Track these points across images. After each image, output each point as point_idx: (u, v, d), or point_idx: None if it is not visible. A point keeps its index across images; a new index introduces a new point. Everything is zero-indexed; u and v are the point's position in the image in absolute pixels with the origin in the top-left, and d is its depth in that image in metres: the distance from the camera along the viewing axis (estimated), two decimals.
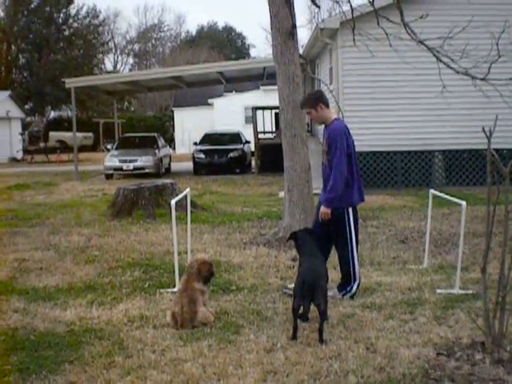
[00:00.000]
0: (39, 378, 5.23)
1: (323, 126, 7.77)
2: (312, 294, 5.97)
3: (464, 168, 19.31)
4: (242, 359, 5.50)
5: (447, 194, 8.63)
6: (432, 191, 8.97)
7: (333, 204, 7.30)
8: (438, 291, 7.58)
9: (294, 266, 9.08)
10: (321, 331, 5.88)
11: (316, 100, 7.56)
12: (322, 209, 7.33)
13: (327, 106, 7.58)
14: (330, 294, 7.18)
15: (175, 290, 7.64)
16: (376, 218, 13.33)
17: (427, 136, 19.02)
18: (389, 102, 18.91)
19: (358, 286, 7.51)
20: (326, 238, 7.45)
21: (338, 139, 7.29)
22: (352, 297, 7.43)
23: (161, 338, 6.10)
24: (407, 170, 19.33)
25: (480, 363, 5.14)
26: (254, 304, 7.24)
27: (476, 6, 17.44)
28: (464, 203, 7.64)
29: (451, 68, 8.25)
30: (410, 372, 5.13)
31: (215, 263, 9.04)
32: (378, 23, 9.56)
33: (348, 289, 7.46)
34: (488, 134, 5.32)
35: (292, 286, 7.33)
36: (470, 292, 7.50)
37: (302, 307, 6.03)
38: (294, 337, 5.96)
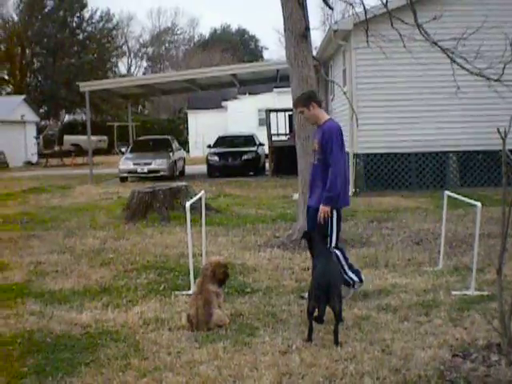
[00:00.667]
0: (55, 380, 5.26)
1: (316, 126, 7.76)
2: (327, 296, 5.97)
3: (478, 169, 19.23)
4: (257, 361, 5.51)
5: (462, 195, 8.60)
6: (447, 192, 8.94)
7: (333, 202, 7.24)
8: (454, 293, 7.56)
9: (308, 268, 9.08)
10: (336, 333, 5.88)
11: (308, 99, 7.58)
12: (322, 207, 7.22)
13: (320, 105, 7.63)
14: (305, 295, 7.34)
15: (190, 292, 7.66)
16: (390, 220, 13.31)
17: (441, 137, 18.94)
18: (402, 104, 18.86)
19: (356, 273, 7.57)
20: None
21: (335, 137, 7.28)
22: (361, 281, 7.56)
23: (176, 341, 6.11)
24: (421, 171, 19.26)
25: (496, 365, 5.12)
26: (268, 306, 7.24)
27: (490, 7, 17.38)
28: (479, 204, 7.61)
29: (465, 69, 8.23)
30: (425, 374, 5.12)
31: (230, 265, 9.07)
32: (392, 24, 9.54)
33: (351, 282, 7.50)
34: (503, 134, 5.30)
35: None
36: (486, 293, 7.47)
37: (316, 309, 6.03)
38: (310, 339, 5.96)
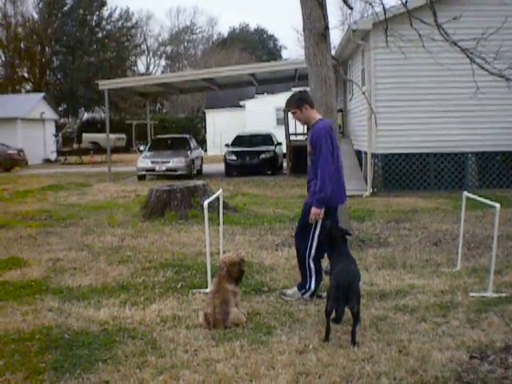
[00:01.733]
0: (73, 377, 5.30)
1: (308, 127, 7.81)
2: (347, 297, 5.95)
3: (498, 170, 19.12)
4: (274, 360, 5.51)
5: (480, 196, 8.56)
6: (465, 193, 8.90)
7: (323, 204, 7.27)
8: (471, 294, 7.52)
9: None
10: (354, 333, 5.87)
11: (301, 100, 7.55)
12: (313, 210, 7.27)
13: (312, 106, 7.60)
14: (289, 292, 7.64)
15: (207, 290, 7.67)
16: (409, 221, 13.27)
17: (460, 138, 18.87)
18: (421, 104, 18.79)
19: (317, 283, 7.57)
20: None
21: (323, 139, 7.28)
22: (312, 295, 7.50)
23: (193, 339, 6.14)
24: (440, 172, 19.19)
25: None
26: (285, 305, 7.25)
27: (510, 7, 17.25)
28: (498, 205, 7.57)
29: (485, 69, 8.22)
30: (442, 375, 5.11)
31: (247, 265, 9.07)
32: (411, 24, 9.53)
33: (307, 287, 7.54)
34: None
35: (290, 292, 7.65)
36: (504, 295, 7.43)
37: (334, 310, 6.02)
38: (327, 339, 5.96)
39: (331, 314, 6.00)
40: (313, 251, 7.51)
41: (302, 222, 7.71)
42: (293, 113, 7.64)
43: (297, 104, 7.54)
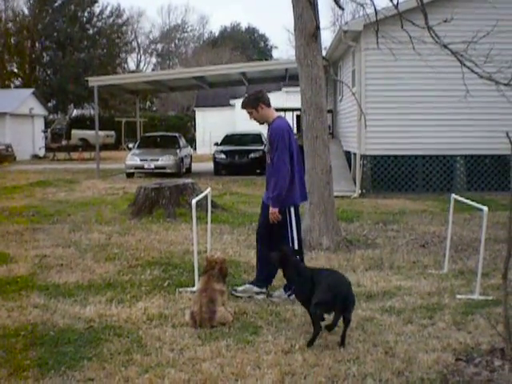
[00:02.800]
0: (58, 374, 5.27)
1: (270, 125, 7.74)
2: (344, 307, 5.89)
3: (486, 173, 19.19)
4: (259, 360, 5.50)
5: (468, 199, 8.58)
6: (454, 196, 8.92)
7: (278, 203, 7.33)
8: (458, 296, 7.54)
9: None
10: (344, 337, 5.84)
11: (257, 100, 7.55)
12: (270, 209, 7.35)
13: (268, 105, 7.60)
14: (276, 293, 7.63)
15: (194, 289, 7.66)
16: (396, 222, 13.29)
17: (449, 140, 18.93)
18: (411, 106, 18.84)
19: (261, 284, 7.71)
20: (278, 236, 7.57)
21: (280, 138, 7.33)
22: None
23: (179, 337, 6.12)
24: (428, 174, 19.24)
25: (499, 370, 5.10)
26: (272, 305, 7.24)
27: (501, 11, 17.31)
28: (485, 208, 7.59)
29: (475, 72, 8.21)
30: (428, 377, 5.11)
31: (234, 264, 9.10)
32: (402, 26, 9.54)
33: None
34: (511, 139, 5.28)
35: (276, 293, 7.63)
36: (490, 298, 7.45)
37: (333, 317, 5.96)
38: (312, 344, 5.89)
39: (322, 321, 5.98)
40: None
41: (261, 220, 7.82)
42: (249, 113, 7.62)
43: (252, 104, 7.54)
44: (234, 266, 9.11)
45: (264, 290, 7.66)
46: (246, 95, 7.80)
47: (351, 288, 6.15)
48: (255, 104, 7.52)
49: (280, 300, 7.45)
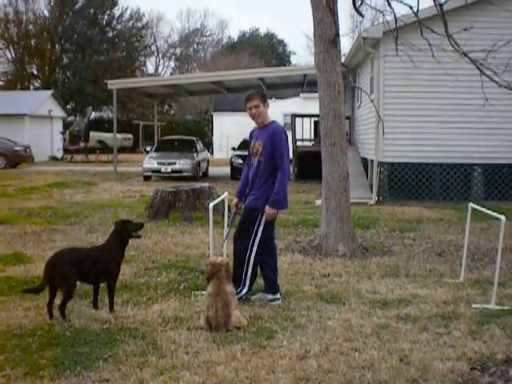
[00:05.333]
0: (73, 374, 5.30)
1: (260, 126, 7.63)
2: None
3: (504, 183, 19.09)
4: (274, 365, 5.51)
5: (486, 208, 8.55)
6: (471, 205, 8.89)
7: (279, 206, 7.39)
8: (474, 306, 7.51)
9: (329, 275, 9.08)
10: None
11: (264, 96, 7.52)
12: (269, 210, 7.32)
13: (268, 107, 7.59)
14: (254, 297, 7.62)
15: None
16: (413, 230, 13.25)
17: (467, 149, 18.85)
18: (429, 113, 18.77)
19: (246, 293, 7.59)
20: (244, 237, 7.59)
21: (285, 140, 7.34)
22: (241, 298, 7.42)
23: (194, 340, 6.13)
24: (445, 182, 19.16)
25: None
26: (287, 310, 7.24)
27: None
28: (503, 218, 7.56)
29: (494, 81, 8.21)
30: None
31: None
32: (422, 34, 9.54)
33: (241, 288, 7.55)
34: None
35: (255, 297, 7.60)
36: (506, 308, 7.42)
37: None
38: None
39: None
40: (252, 259, 7.54)
41: (241, 225, 7.70)
42: (255, 106, 7.41)
43: (261, 98, 7.46)
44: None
45: (278, 295, 7.63)
46: (253, 90, 7.77)
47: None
48: (263, 99, 7.45)
49: (262, 302, 7.49)
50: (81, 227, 13.09)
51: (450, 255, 10.75)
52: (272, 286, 7.62)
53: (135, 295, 7.82)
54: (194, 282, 8.49)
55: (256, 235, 7.46)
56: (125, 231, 7.19)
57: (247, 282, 7.57)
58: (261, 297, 7.58)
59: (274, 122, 7.52)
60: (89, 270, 6.90)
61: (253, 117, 7.47)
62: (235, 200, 7.82)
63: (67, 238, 11.76)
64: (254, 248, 7.48)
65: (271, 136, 7.30)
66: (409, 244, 11.72)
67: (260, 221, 7.41)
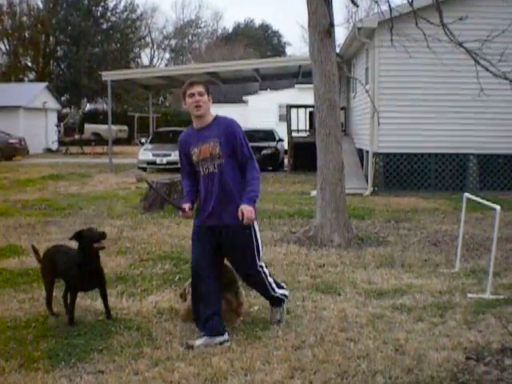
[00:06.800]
0: (68, 365, 5.30)
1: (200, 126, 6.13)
2: None
3: (499, 173, 19.09)
4: (269, 355, 5.51)
5: (481, 198, 8.55)
6: (466, 195, 8.89)
7: (255, 203, 6.04)
8: (469, 295, 7.51)
9: (324, 265, 9.08)
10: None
11: (209, 90, 6.11)
12: (248, 207, 5.88)
13: (211, 102, 6.19)
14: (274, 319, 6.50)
15: None
16: (408, 220, 13.25)
17: (462, 139, 18.83)
18: (425, 104, 18.74)
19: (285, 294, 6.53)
20: (217, 264, 6.18)
21: (242, 133, 6.08)
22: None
23: (189, 331, 6.13)
24: (441, 172, 19.16)
25: (509, 369, 5.09)
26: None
27: None
28: (498, 208, 7.56)
29: (489, 71, 8.18)
30: (438, 375, 5.10)
31: None
32: (417, 24, 9.50)
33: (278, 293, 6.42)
34: None
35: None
36: (502, 297, 7.42)
37: None
38: None
39: None
40: (265, 270, 6.27)
41: (233, 254, 6.22)
42: (199, 93, 5.96)
43: (206, 88, 6.08)
44: None
45: (223, 337, 5.94)
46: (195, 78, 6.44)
47: None
48: (208, 91, 6.07)
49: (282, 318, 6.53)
50: (75, 219, 13.07)
51: (446, 245, 10.76)
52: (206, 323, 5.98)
53: (130, 286, 7.82)
54: (189, 273, 8.43)
55: (258, 247, 6.13)
56: (83, 242, 6.40)
57: (279, 290, 6.41)
58: (206, 341, 5.86)
59: (218, 116, 6.15)
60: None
61: (196, 105, 5.98)
62: (187, 205, 6.20)
63: (62, 230, 11.74)
64: (259, 257, 6.18)
65: (227, 129, 5.98)
66: (404, 234, 11.72)
67: (255, 233, 6.12)
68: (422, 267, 9.10)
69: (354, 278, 8.34)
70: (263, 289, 6.31)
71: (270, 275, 6.33)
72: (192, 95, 5.97)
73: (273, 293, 6.33)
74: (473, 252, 10.19)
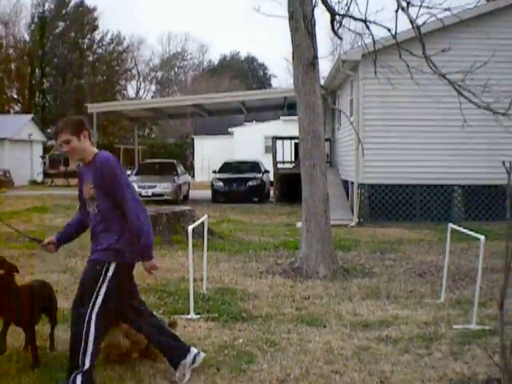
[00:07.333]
0: None
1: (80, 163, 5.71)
2: None
3: (483, 203, 19.18)
4: None
5: (466, 228, 8.56)
6: (451, 225, 8.91)
7: (152, 251, 5.54)
8: (455, 326, 7.49)
9: (309, 297, 9.04)
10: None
11: (80, 125, 5.45)
12: (150, 264, 5.52)
13: (90, 137, 5.61)
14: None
15: (189, 316, 7.64)
16: (394, 251, 13.25)
17: (447, 170, 18.94)
18: (409, 135, 18.87)
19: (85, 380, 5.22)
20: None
21: (118, 169, 5.43)
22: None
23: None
24: (426, 203, 19.22)
25: None
26: (268, 333, 7.17)
27: (498, 41, 17.48)
28: (483, 238, 7.57)
29: (472, 102, 8.24)
30: None
31: (231, 291, 9.04)
32: (400, 56, 9.59)
33: (71, 379, 5.21)
34: (508, 168, 5.28)
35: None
36: (487, 328, 7.40)
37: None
38: None
39: None
40: (93, 326, 5.23)
41: (83, 286, 5.45)
42: (65, 142, 5.39)
43: (74, 130, 5.40)
44: (230, 294, 9.07)
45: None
46: (64, 119, 5.73)
47: None
48: (77, 130, 5.41)
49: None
50: (60, 252, 12.91)
51: (431, 276, 10.75)
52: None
53: None
54: (173, 307, 8.41)
55: (98, 296, 5.28)
56: None
57: (87, 360, 5.23)
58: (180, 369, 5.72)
59: (97, 153, 5.55)
60: None
61: (67, 155, 5.57)
62: (50, 239, 6.00)
63: (45, 263, 11.65)
64: (96, 312, 5.26)
65: (99, 171, 5.36)
66: (389, 265, 11.71)
67: (106, 274, 5.32)
68: (407, 298, 9.07)
69: (339, 310, 8.30)
70: (74, 342, 5.30)
71: (93, 344, 5.23)
72: (60, 145, 5.52)
73: (79, 360, 5.22)
74: (458, 282, 10.19)
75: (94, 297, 5.26)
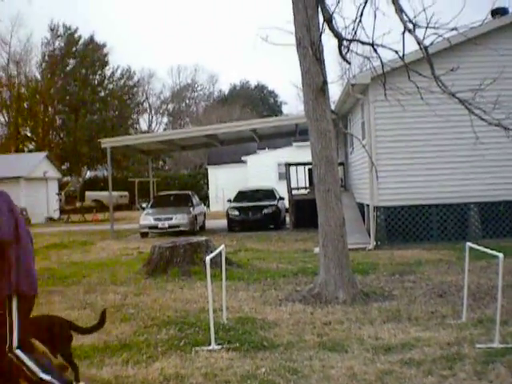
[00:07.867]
0: None
1: None
2: None
3: (500, 220, 19.06)
4: None
5: (484, 246, 8.51)
6: (469, 244, 8.86)
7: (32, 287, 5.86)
8: (478, 346, 7.43)
9: (330, 323, 9.00)
10: None
11: None
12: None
13: None
14: None
15: (211, 347, 7.62)
16: (413, 273, 13.18)
17: (462, 188, 18.86)
18: (422, 155, 18.84)
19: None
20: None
21: (6, 205, 5.66)
22: None
23: None
24: (443, 223, 19.14)
25: None
26: (290, 361, 7.14)
27: (507, 58, 17.47)
28: (501, 255, 7.53)
29: (483, 120, 8.26)
30: None
31: (251, 320, 9.01)
32: (409, 77, 9.63)
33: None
34: None
35: None
36: (511, 346, 7.33)
37: None
38: None
39: None
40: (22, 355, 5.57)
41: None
42: None
43: None
44: (250, 323, 9.04)
45: None
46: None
47: None
48: None
49: None
50: (79, 287, 13.01)
51: (451, 296, 10.68)
52: None
53: (135, 354, 7.73)
54: (194, 338, 8.38)
55: (11, 326, 5.57)
56: None
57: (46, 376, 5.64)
58: None
59: None
60: None
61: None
62: None
63: (65, 299, 11.68)
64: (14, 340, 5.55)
65: None
66: (409, 287, 11.64)
67: (11, 306, 5.60)
68: (428, 319, 9.01)
69: (360, 335, 8.25)
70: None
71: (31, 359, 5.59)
72: None
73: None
74: (479, 301, 10.11)
75: None
